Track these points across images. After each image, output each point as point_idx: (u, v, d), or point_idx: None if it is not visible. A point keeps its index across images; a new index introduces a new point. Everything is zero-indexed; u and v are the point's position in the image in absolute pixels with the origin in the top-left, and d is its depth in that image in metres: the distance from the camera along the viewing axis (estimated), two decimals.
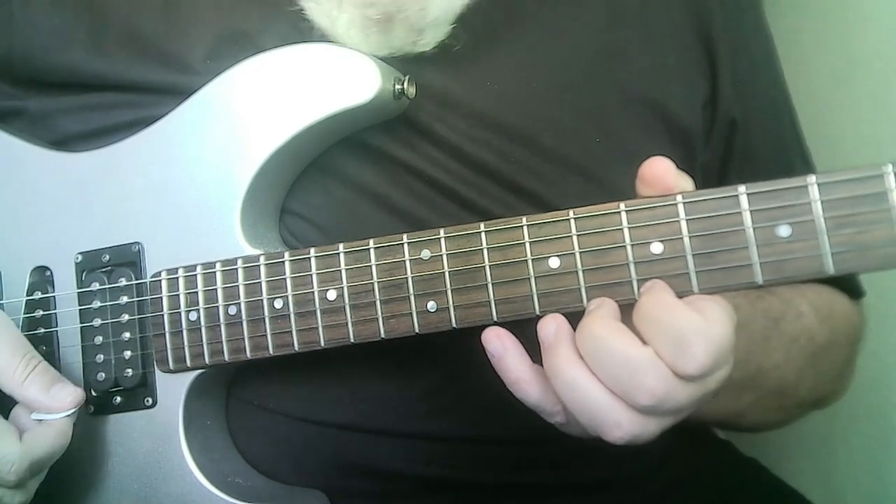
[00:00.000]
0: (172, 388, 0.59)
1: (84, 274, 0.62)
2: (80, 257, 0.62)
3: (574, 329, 0.47)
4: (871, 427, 0.93)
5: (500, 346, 0.49)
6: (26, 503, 0.55)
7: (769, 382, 0.66)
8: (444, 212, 0.61)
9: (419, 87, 0.60)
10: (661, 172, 0.49)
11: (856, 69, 0.94)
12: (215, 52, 0.62)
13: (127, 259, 0.61)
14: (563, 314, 0.48)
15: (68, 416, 0.56)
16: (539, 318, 0.49)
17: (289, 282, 0.55)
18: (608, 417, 0.45)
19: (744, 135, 0.71)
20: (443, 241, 0.52)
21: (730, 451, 0.81)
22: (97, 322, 0.61)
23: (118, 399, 0.60)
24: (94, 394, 0.61)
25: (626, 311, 0.47)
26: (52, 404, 0.56)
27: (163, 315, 0.58)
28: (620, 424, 0.45)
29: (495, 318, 0.51)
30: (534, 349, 0.49)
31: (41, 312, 0.62)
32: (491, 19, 0.64)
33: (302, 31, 0.61)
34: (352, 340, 0.54)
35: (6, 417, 0.56)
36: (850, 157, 0.91)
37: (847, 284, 0.75)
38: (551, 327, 0.47)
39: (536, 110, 0.63)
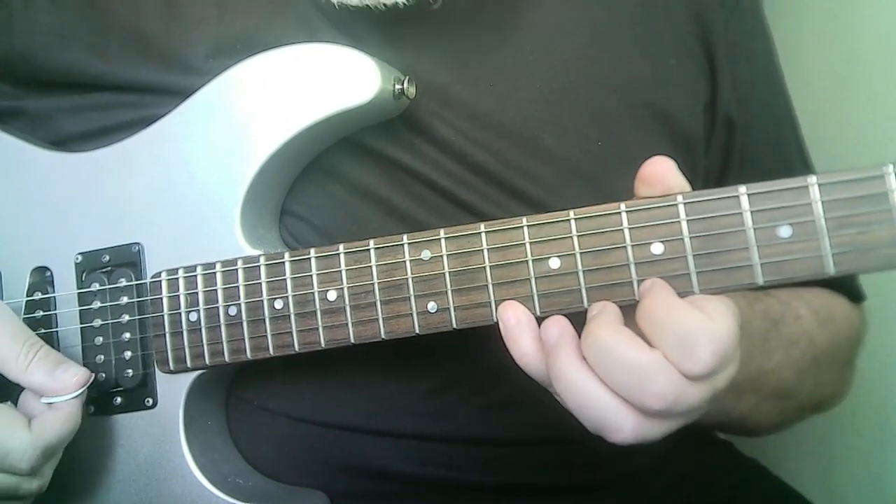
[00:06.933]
0: (173, 389, 0.59)
1: (84, 274, 0.62)
2: (80, 258, 0.62)
3: (576, 330, 0.47)
4: (871, 427, 0.93)
5: (514, 317, 0.49)
6: (43, 488, 0.55)
7: (770, 384, 0.66)
8: (443, 214, 0.61)
9: (421, 86, 0.60)
10: (662, 172, 0.48)
11: (856, 69, 0.94)
12: (218, 52, 0.62)
13: (127, 259, 0.61)
14: (563, 315, 0.48)
15: (75, 397, 0.56)
16: (539, 318, 0.49)
17: (289, 282, 0.55)
18: (613, 420, 0.44)
19: (743, 137, 0.71)
20: (443, 241, 0.52)
21: (730, 451, 0.81)
22: (97, 323, 0.61)
23: (118, 399, 0.60)
24: (94, 394, 0.60)
25: (627, 311, 0.47)
26: (58, 387, 0.55)
27: (163, 315, 0.58)
28: (624, 427, 0.44)
29: (496, 319, 0.51)
30: None
31: (41, 313, 0.62)
32: (493, 20, 0.64)
33: (311, 30, 0.61)
34: (352, 341, 0.54)
35: (15, 404, 0.56)
36: (850, 157, 0.91)
37: (847, 288, 0.74)
38: (554, 330, 0.47)
39: (538, 112, 0.63)
